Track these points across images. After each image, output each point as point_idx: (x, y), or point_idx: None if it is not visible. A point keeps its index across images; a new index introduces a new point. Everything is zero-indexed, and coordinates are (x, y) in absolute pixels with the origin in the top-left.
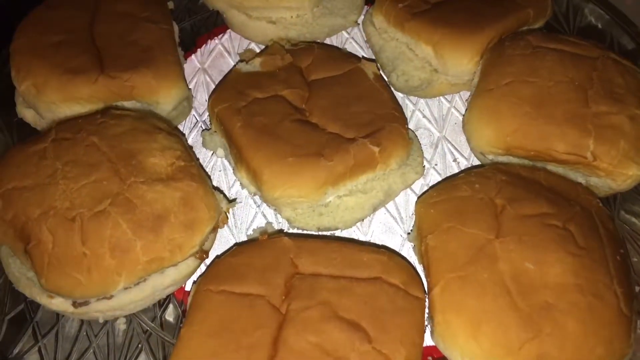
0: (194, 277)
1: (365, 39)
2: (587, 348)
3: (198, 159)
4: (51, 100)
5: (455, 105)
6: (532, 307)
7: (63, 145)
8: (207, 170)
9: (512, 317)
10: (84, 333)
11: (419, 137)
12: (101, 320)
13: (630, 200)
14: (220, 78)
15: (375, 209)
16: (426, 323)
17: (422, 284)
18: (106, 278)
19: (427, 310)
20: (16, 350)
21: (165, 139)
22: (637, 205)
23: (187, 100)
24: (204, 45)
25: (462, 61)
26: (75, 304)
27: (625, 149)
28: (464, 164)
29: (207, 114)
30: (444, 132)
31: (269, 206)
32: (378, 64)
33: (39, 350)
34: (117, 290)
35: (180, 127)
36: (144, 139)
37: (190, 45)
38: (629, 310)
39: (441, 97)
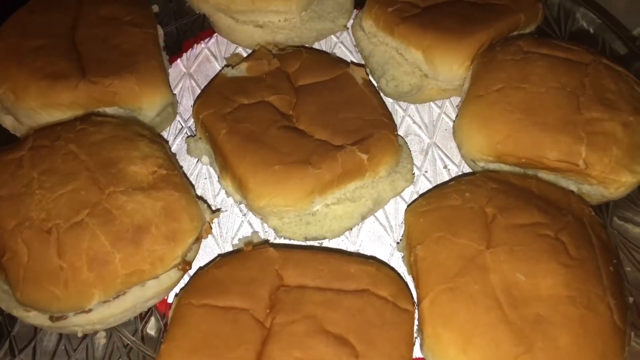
0: (177, 288)
1: (355, 43)
2: None
3: (182, 167)
4: (30, 106)
5: (445, 111)
6: (523, 319)
7: (40, 153)
8: (191, 177)
9: (504, 331)
10: (63, 347)
11: (408, 144)
12: (80, 335)
13: (623, 207)
14: (206, 83)
15: (364, 218)
16: (415, 335)
17: (412, 296)
18: (83, 292)
19: (416, 322)
20: None
21: (147, 147)
22: (630, 211)
23: (172, 106)
24: (190, 49)
25: (452, 66)
26: (52, 318)
27: (617, 156)
28: (454, 171)
29: (193, 120)
30: (434, 138)
31: (255, 215)
32: (367, 69)
33: None
34: (95, 304)
35: (165, 134)
36: (125, 147)
37: (176, 49)
38: (623, 323)
39: (431, 103)
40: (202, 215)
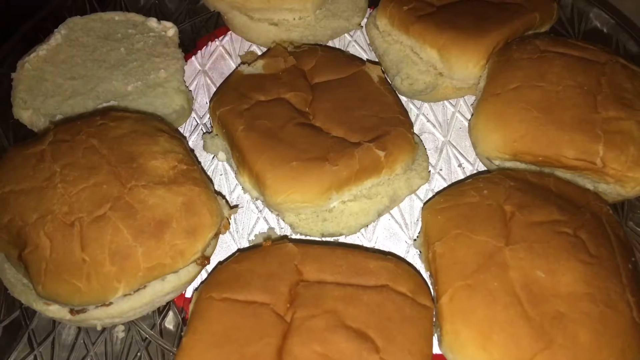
0: (195, 283)
1: (369, 41)
2: (599, 359)
3: (200, 163)
4: None
5: (460, 110)
6: (543, 316)
7: (61, 147)
8: (208, 174)
9: (523, 327)
10: (81, 341)
11: (423, 142)
12: (99, 328)
13: (638, 208)
14: (221, 80)
15: (379, 215)
16: (433, 332)
17: (430, 292)
18: (106, 285)
19: (434, 319)
20: (11, 359)
21: (167, 142)
22: None
23: (188, 102)
24: (205, 47)
25: (467, 65)
26: (72, 311)
27: (634, 155)
28: (469, 170)
29: (208, 116)
30: (448, 136)
31: (272, 211)
32: (382, 67)
33: (35, 359)
34: (117, 297)
35: (180, 130)
36: (145, 142)
37: (191, 46)
38: None
39: (445, 102)
40: (221, 210)
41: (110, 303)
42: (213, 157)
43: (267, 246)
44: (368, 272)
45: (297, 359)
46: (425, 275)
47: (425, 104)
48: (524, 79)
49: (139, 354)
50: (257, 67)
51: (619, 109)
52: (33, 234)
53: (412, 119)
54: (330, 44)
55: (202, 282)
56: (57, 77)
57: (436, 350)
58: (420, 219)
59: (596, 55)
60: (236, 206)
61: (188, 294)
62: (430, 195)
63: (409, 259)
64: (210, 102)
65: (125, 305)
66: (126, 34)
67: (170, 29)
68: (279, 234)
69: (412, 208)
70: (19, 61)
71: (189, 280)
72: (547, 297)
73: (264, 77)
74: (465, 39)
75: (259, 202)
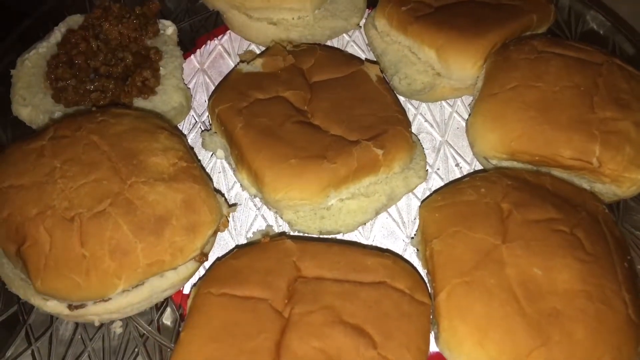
0: (193, 280)
1: (367, 42)
2: (595, 356)
3: (199, 160)
4: None
5: (457, 110)
6: (540, 313)
7: (62, 143)
8: (207, 171)
9: (520, 324)
10: (79, 336)
11: (421, 142)
12: (97, 324)
13: (634, 211)
14: (219, 79)
15: (377, 213)
16: (431, 329)
17: (428, 289)
18: (105, 281)
19: (431, 316)
20: (8, 354)
21: (167, 139)
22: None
23: (186, 99)
24: (204, 45)
25: (465, 65)
26: (70, 307)
27: (630, 155)
28: (466, 169)
29: (207, 114)
30: (446, 136)
31: (270, 209)
32: (380, 67)
33: (32, 354)
34: (116, 293)
35: (179, 128)
36: (146, 139)
37: (190, 45)
38: (637, 317)
39: (443, 102)
40: (221, 208)
41: (109, 299)
42: (212, 155)
43: (266, 242)
44: (366, 269)
45: (295, 354)
46: (423, 273)
47: (423, 104)
48: (521, 79)
49: (136, 349)
50: (256, 66)
51: (616, 110)
52: (32, 229)
53: (410, 118)
54: (328, 43)
55: (200, 279)
56: None
57: (433, 348)
58: (417, 218)
59: (593, 56)
60: (235, 204)
61: (186, 291)
62: (427, 194)
63: (406, 257)
64: (209, 100)
65: (124, 301)
66: None
67: (169, 28)
68: (277, 231)
69: (409, 207)
70: (19, 58)
71: (187, 277)
72: (544, 294)
73: (262, 75)
74: (463, 40)
75: (257, 200)
